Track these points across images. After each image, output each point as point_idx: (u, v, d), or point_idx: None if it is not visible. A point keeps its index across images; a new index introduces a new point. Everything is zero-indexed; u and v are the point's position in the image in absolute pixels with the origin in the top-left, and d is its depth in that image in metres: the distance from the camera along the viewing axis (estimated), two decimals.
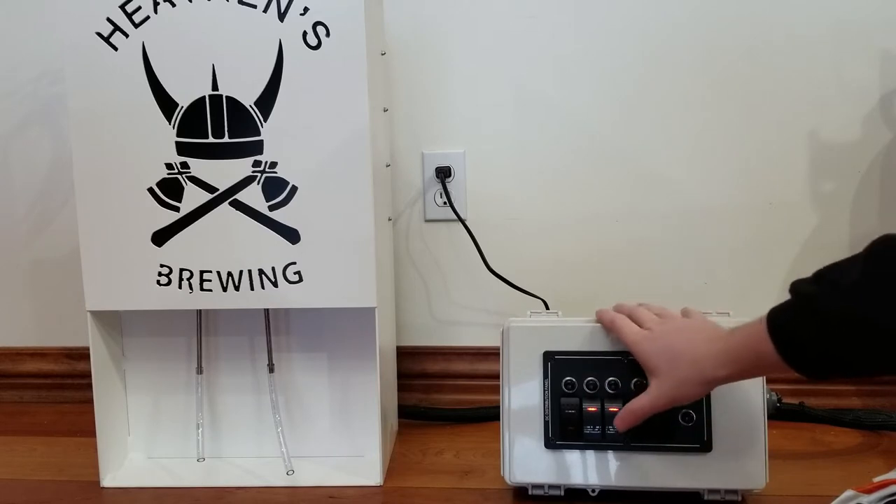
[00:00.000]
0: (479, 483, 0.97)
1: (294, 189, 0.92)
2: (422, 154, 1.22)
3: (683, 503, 0.89)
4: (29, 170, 1.26)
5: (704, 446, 0.88)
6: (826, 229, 1.18)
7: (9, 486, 1.01)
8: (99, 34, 0.90)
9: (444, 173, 1.20)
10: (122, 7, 0.89)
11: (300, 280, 0.94)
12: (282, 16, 0.89)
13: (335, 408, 1.05)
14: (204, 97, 0.91)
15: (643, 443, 0.88)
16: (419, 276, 1.25)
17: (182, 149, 0.92)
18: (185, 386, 1.05)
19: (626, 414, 0.84)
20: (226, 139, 0.91)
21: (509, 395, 0.91)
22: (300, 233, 0.93)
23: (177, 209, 0.93)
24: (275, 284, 0.94)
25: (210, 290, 0.94)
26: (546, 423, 0.90)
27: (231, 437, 1.06)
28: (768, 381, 0.90)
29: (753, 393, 0.87)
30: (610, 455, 0.89)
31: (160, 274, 0.94)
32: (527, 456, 0.90)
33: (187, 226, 0.93)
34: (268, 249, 0.93)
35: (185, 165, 0.92)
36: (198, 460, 1.02)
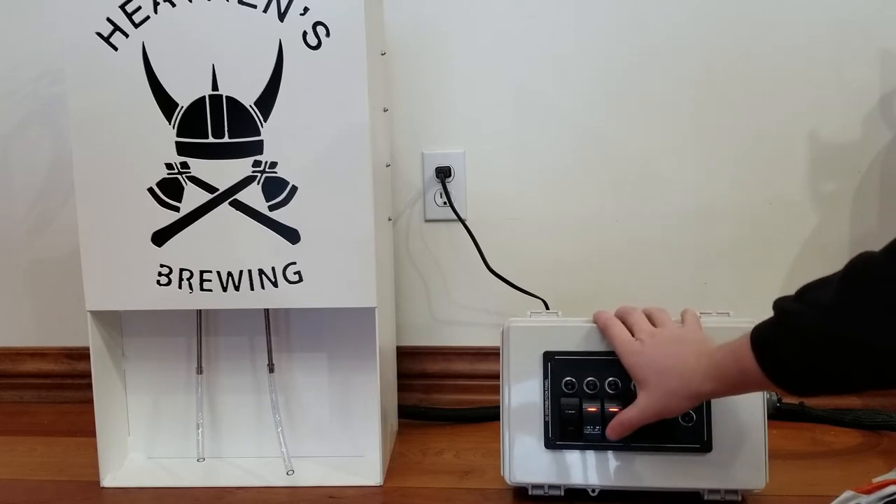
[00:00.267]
0: (479, 483, 0.97)
1: (294, 189, 0.92)
2: (422, 154, 1.22)
3: (683, 503, 0.89)
4: (29, 170, 1.26)
5: (704, 446, 0.88)
6: (826, 229, 1.18)
7: (9, 486, 1.01)
8: (99, 34, 0.90)
9: (444, 173, 1.20)
10: (122, 7, 0.89)
11: (300, 280, 0.94)
12: (282, 16, 0.89)
13: (335, 408, 1.05)
14: (204, 97, 0.91)
15: (643, 443, 0.88)
16: (419, 276, 1.25)
17: (182, 149, 0.92)
18: (185, 386, 1.05)
19: (616, 425, 0.85)
20: (226, 139, 0.91)
21: (509, 396, 0.91)
22: (300, 233, 0.93)
23: (177, 209, 0.93)
24: (275, 284, 0.94)
25: (210, 290, 0.94)
26: (546, 423, 0.90)
27: (231, 437, 1.06)
28: None
29: (753, 393, 0.87)
30: (610, 455, 0.89)
31: (160, 274, 0.94)
32: (527, 456, 0.90)
33: (187, 226, 0.93)
34: (268, 249, 0.93)
35: (185, 165, 0.92)
36: (198, 460, 1.02)
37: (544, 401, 0.90)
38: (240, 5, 0.89)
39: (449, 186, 1.20)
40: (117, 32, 0.90)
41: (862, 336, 0.64)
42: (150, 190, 0.93)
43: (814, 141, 1.16)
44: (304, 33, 0.89)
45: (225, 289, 0.94)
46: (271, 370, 1.02)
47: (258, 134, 0.91)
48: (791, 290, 0.71)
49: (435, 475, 1.00)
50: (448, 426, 1.16)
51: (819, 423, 1.11)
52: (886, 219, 1.17)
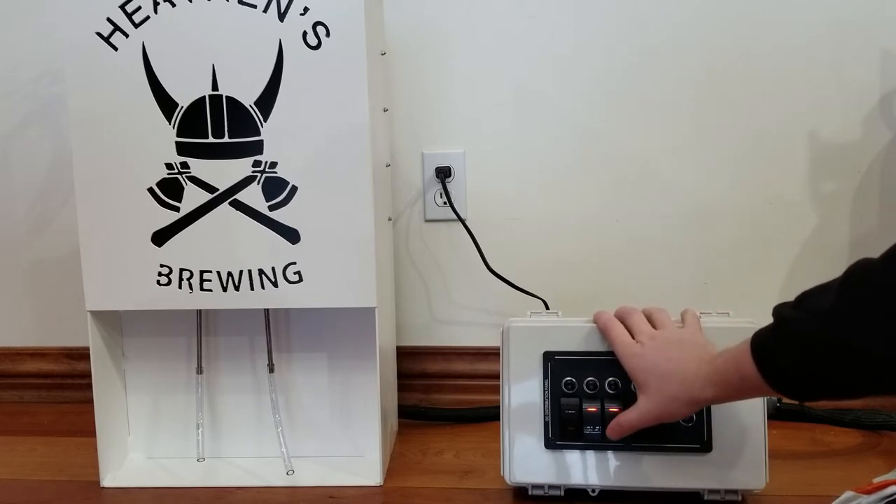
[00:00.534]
0: (479, 483, 0.98)
1: (294, 189, 0.92)
2: (422, 154, 1.22)
3: (683, 503, 0.89)
4: (29, 170, 1.26)
5: (704, 446, 0.88)
6: (826, 229, 1.18)
7: (9, 486, 1.01)
8: (99, 34, 0.90)
9: (444, 173, 1.20)
10: (122, 7, 0.89)
11: (300, 280, 0.94)
12: (282, 16, 0.89)
13: (335, 408, 1.05)
14: (204, 97, 0.91)
15: (643, 443, 0.88)
16: (419, 276, 1.25)
17: (182, 149, 0.92)
18: (185, 386, 1.05)
19: (615, 426, 0.85)
20: (226, 139, 0.91)
21: (509, 396, 0.91)
22: (300, 233, 0.93)
23: (177, 209, 0.93)
24: (275, 284, 0.94)
25: (210, 290, 0.94)
26: (546, 423, 0.90)
27: (231, 437, 1.06)
28: None
29: None
30: (610, 455, 0.90)
31: (160, 274, 0.94)
32: (527, 456, 0.90)
33: (187, 226, 0.93)
34: (268, 249, 0.93)
35: (185, 165, 0.92)
36: (198, 460, 1.02)
37: (544, 401, 0.90)
38: (240, 5, 0.89)
39: (449, 186, 1.20)
40: (117, 32, 0.90)
41: (860, 343, 0.64)
42: (150, 190, 0.93)
43: (814, 141, 1.16)
44: (304, 33, 0.89)
45: (225, 289, 0.94)
46: (271, 370, 1.02)
47: (258, 134, 0.91)
48: (791, 291, 0.71)
49: (435, 475, 1.00)
50: (448, 426, 1.16)
51: (819, 423, 1.11)
52: (886, 219, 1.17)
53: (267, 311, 1.02)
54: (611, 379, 0.89)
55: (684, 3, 1.15)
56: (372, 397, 0.99)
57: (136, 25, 0.90)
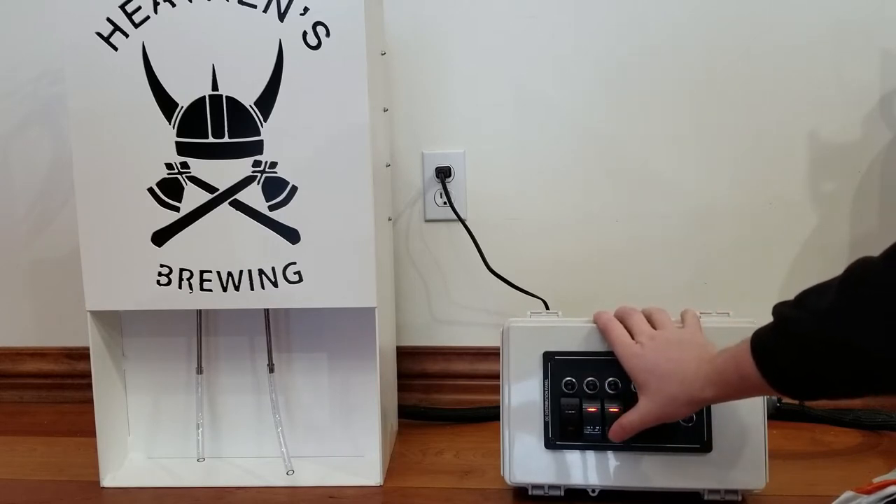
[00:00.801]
0: (479, 483, 0.98)
1: (294, 189, 0.92)
2: (422, 154, 1.22)
3: (683, 503, 0.89)
4: (29, 170, 1.26)
5: (704, 446, 0.88)
6: (826, 229, 1.18)
7: (9, 486, 1.01)
8: (99, 34, 0.90)
9: (444, 173, 1.20)
10: (122, 7, 0.89)
11: (300, 280, 0.94)
12: (282, 16, 0.89)
13: (335, 408, 1.05)
14: (204, 97, 0.91)
15: (643, 443, 0.88)
16: (419, 276, 1.25)
17: (182, 149, 0.92)
18: (185, 386, 1.05)
19: (618, 428, 0.85)
20: (226, 139, 0.91)
21: (509, 396, 0.91)
22: (300, 233, 0.93)
23: (177, 209, 0.93)
24: (275, 284, 0.94)
25: (210, 290, 0.94)
26: (546, 423, 0.90)
27: (231, 437, 1.06)
28: None
29: None
30: (610, 455, 0.90)
31: (160, 274, 0.94)
32: (527, 456, 0.90)
33: (187, 226, 0.93)
34: (268, 249, 0.93)
35: (185, 165, 0.92)
36: (198, 460, 1.02)
37: (544, 401, 0.90)
38: (240, 5, 0.89)
39: (449, 186, 1.20)
40: (117, 32, 0.90)
41: (860, 342, 0.64)
42: (150, 190, 0.93)
43: (814, 141, 1.16)
44: (304, 33, 0.89)
45: (225, 289, 0.94)
46: (271, 370, 1.02)
47: (258, 134, 0.91)
48: (791, 291, 0.71)
49: (435, 475, 1.00)
50: (448, 426, 1.16)
51: (819, 423, 1.11)
52: (886, 219, 1.17)
53: (267, 311, 1.02)
54: (611, 379, 0.89)
55: (684, 3, 1.15)
56: (372, 397, 0.99)
57: (136, 25, 0.90)
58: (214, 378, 1.05)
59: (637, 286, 1.20)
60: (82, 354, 1.20)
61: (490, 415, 1.11)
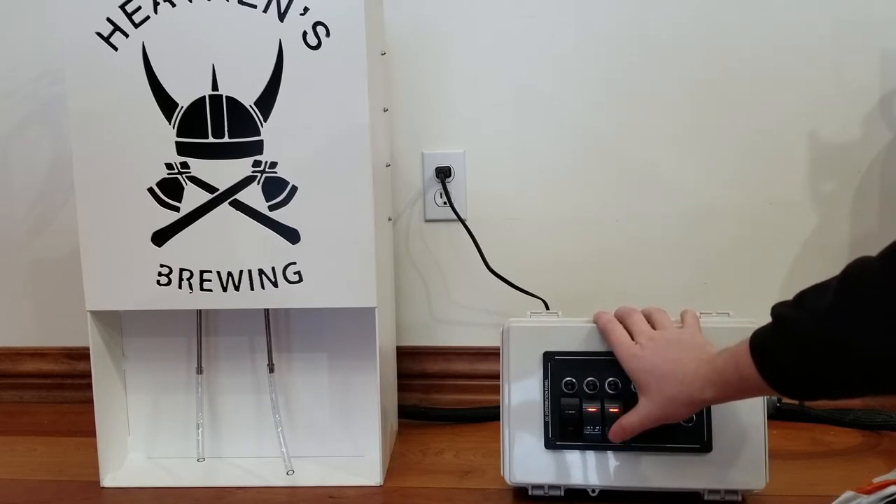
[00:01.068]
0: (479, 483, 0.98)
1: (294, 189, 0.92)
2: (422, 154, 1.22)
3: (683, 503, 0.89)
4: (29, 170, 1.26)
5: (704, 446, 0.88)
6: (826, 229, 1.18)
7: (9, 486, 1.01)
8: (99, 34, 0.90)
9: (444, 173, 1.20)
10: (122, 7, 0.89)
11: (300, 280, 0.94)
12: (282, 16, 0.89)
13: (335, 408, 1.05)
14: (204, 97, 0.91)
15: (643, 443, 0.88)
16: (419, 276, 1.25)
17: (182, 149, 0.92)
18: (185, 386, 1.05)
19: (618, 429, 0.85)
20: (226, 139, 0.91)
21: (509, 396, 0.91)
22: (300, 233, 0.93)
23: (177, 209, 0.93)
24: (275, 284, 0.94)
25: (210, 290, 0.94)
26: (546, 423, 0.90)
27: (231, 437, 1.06)
28: None
29: None
30: (610, 455, 0.90)
31: (160, 274, 0.94)
32: (527, 456, 0.90)
33: (187, 226, 0.93)
34: (268, 249, 0.93)
35: (185, 165, 0.92)
36: (198, 460, 1.02)
37: (544, 401, 0.90)
38: (240, 5, 0.89)
39: (449, 186, 1.20)
40: (117, 32, 0.90)
41: (859, 342, 0.64)
42: (150, 190, 0.93)
43: (814, 141, 1.16)
44: (304, 33, 0.89)
45: (225, 289, 0.94)
46: (271, 370, 1.02)
47: (258, 134, 0.91)
48: (791, 291, 0.71)
49: (435, 475, 1.00)
50: (448, 426, 1.16)
51: (819, 423, 1.11)
52: (886, 219, 1.17)
53: (267, 311, 1.02)
54: (611, 379, 0.89)
55: (684, 3, 1.15)
56: (372, 397, 0.99)
57: (136, 25, 0.90)
58: (214, 378, 1.05)
59: (637, 286, 1.20)
60: (82, 354, 1.20)
61: (490, 415, 1.11)
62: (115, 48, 0.90)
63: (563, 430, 0.89)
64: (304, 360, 1.04)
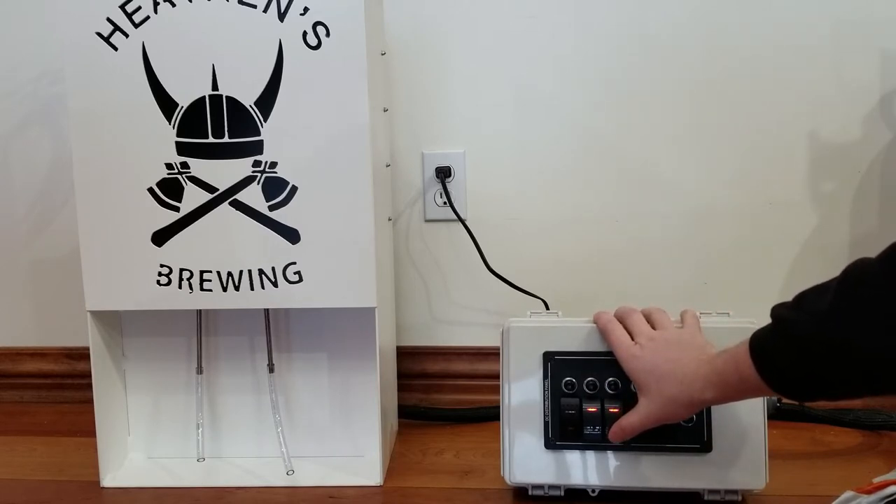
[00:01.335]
0: (479, 483, 0.98)
1: (294, 189, 0.92)
2: (422, 154, 1.22)
3: (683, 503, 0.89)
4: (29, 170, 1.26)
5: (704, 446, 0.88)
6: (826, 229, 1.18)
7: (9, 486, 1.01)
8: (99, 34, 0.90)
9: (444, 173, 1.20)
10: (122, 7, 0.89)
11: (300, 280, 0.94)
12: (282, 16, 0.89)
13: (335, 408, 1.05)
14: (204, 97, 0.91)
15: (643, 443, 0.88)
16: (419, 276, 1.25)
17: (182, 149, 0.92)
18: (185, 386, 1.05)
19: (618, 429, 0.85)
20: (226, 139, 0.91)
21: (509, 396, 0.91)
22: (300, 233, 0.93)
23: (177, 209, 0.93)
24: (275, 284, 0.94)
25: (210, 290, 0.94)
26: (546, 423, 0.90)
27: (231, 437, 1.06)
28: None
29: None
30: (610, 455, 0.90)
31: (160, 274, 0.94)
32: (527, 456, 0.90)
33: (187, 226, 0.93)
34: (268, 249, 0.93)
35: (185, 165, 0.92)
36: (198, 460, 1.02)
37: (544, 401, 0.90)
38: (240, 5, 0.89)
39: (449, 186, 1.20)
40: (117, 32, 0.90)
41: (859, 343, 0.64)
42: (150, 190, 0.93)
43: (814, 141, 1.16)
44: (304, 33, 0.89)
45: (225, 289, 0.94)
46: (271, 370, 1.02)
47: (258, 134, 0.91)
48: (791, 291, 0.71)
49: (435, 475, 1.00)
50: (448, 426, 1.16)
51: (819, 423, 1.11)
52: (886, 219, 1.17)
53: (267, 311, 1.02)
54: (611, 379, 0.89)
55: (684, 3, 1.15)
56: (372, 397, 0.99)
57: (136, 25, 0.90)
58: (214, 378, 1.05)
59: (637, 286, 1.20)
60: (82, 354, 1.20)
61: (490, 415, 1.11)
62: (115, 48, 0.90)
63: (563, 430, 0.89)
64: (304, 360, 1.04)
